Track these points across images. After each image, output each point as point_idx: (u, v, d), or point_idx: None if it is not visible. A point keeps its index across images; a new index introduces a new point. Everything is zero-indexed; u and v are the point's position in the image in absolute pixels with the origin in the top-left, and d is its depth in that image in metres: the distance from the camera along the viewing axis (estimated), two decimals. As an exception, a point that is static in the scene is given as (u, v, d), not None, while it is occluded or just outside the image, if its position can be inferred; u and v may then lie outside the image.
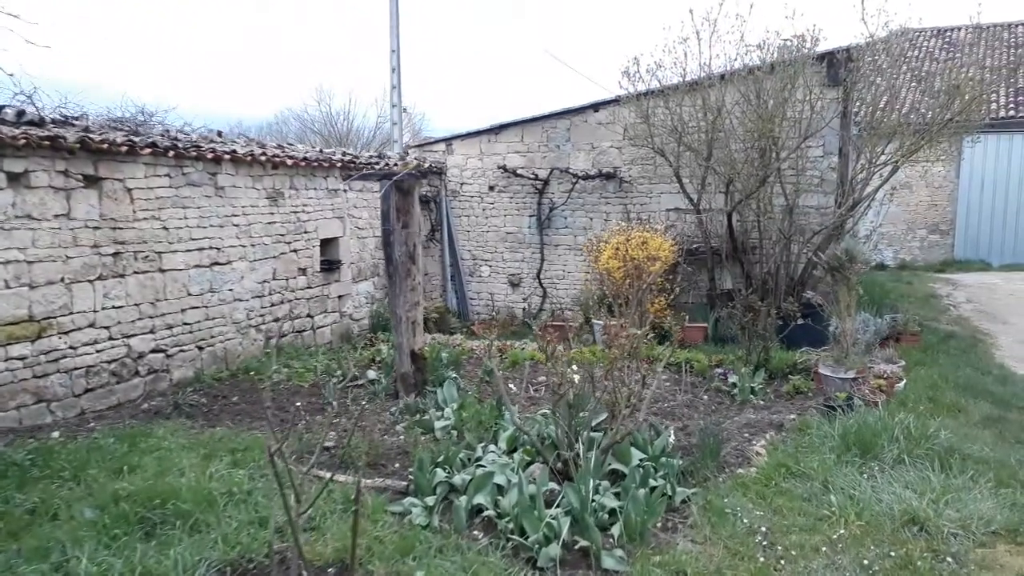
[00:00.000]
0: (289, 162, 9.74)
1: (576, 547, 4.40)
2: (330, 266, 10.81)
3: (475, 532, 4.69)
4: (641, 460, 5.68)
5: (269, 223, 9.72)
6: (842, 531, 4.52)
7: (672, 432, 6.51)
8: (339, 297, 11.08)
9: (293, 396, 7.93)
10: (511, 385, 8.05)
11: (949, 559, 4.20)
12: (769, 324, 9.05)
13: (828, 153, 11.67)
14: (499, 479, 5.18)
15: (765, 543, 4.40)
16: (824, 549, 4.31)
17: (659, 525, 4.78)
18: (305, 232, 10.36)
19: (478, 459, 5.73)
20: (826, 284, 10.21)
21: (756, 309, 9.14)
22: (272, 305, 9.84)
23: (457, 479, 5.22)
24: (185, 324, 8.52)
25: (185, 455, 5.86)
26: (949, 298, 14.77)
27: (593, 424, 6.53)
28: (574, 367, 6.71)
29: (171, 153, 8.02)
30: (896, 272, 19.52)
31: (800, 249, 11.09)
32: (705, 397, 8.11)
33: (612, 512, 4.86)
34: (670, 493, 5.22)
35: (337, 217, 10.96)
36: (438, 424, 6.46)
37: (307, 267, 10.41)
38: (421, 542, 4.42)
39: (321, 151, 10.75)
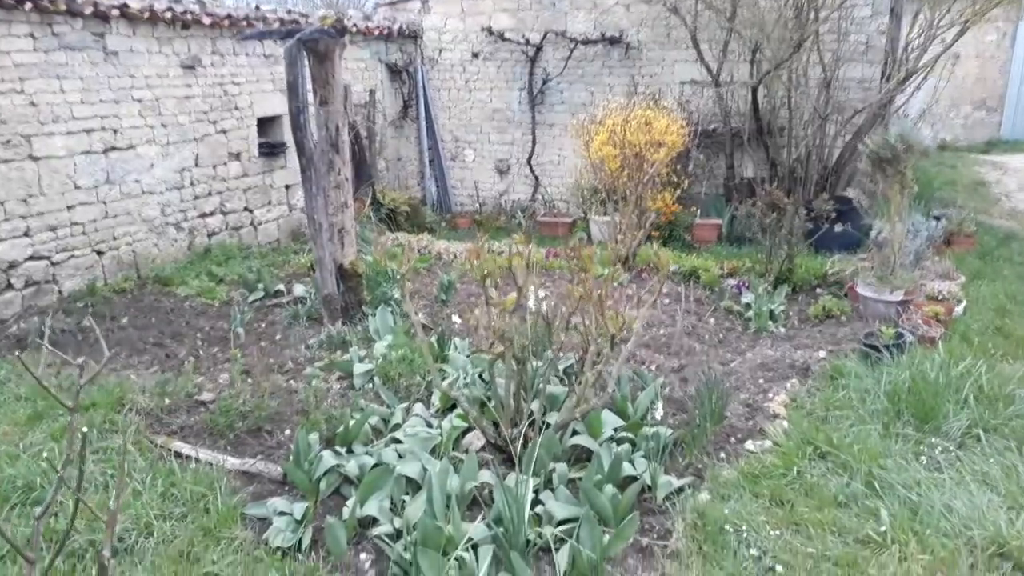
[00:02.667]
0: (207, 21, 7.82)
1: (499, 595, 2.95)
2: (272, 150, 9.07)
3: (363, 560, 3.24)
4: (616, 430, 4.17)
5: (185, 97, 7.92)
6: (896, 572, 3.02)
7: (662, 380, 4.97)
8: (286, 187, 9.40)
9: (199, 317, 6.42)
10: (476, 311, 6.49)
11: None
12: (796, 227, 7.34)
13: (877, 13, 9.57)
14: (411, 467, 3.69)
15: (782, 596, 2.93)
16: (872, 610, 2.83)
17: (630, 543, 3.31)
18: (236, 108, 8.56)
19: (395, 427, 4.24)
20: (866, 177, 8.40)
21: (781, 207, 7.41)
22: (196, 198, 8.19)
23: (353, 466, 3.74)
24: (75, 224, 6.93)
25: (9, 412, 4.42)
26: (999, 185, 12.81)
27: (562, 368, 5.01)
28: (538, 292, 5.12)
29: (28, 5, 6.17)
30: (937, 154, 17.39)
31: (837, 131, 9.21)
32: (712, 321, 6.52)
33: (564, 522, 3.39)
34: (650, 484, 3.73)
35: (280, 90, 9.10)
36: (358, 368, 4.95)
37: (241, 151, 8.68)
38: (269, 585, 2.99)
39: (257, 7, 8.78)
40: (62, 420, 4.28)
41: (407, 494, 3.59)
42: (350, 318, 5.90)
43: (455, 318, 5.77)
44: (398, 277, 6.49)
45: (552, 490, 3.65)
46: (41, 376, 4.94)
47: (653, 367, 5.40)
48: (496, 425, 4.04)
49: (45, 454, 3.83)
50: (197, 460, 3.96)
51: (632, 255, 8.31)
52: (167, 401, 4.60)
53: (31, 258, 6.60)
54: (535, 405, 4.33)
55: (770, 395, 4.82)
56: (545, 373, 4.08)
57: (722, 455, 4.11)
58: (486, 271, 3.89)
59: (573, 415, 3.72)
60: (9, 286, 6.46)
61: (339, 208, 5.74)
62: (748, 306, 6.56)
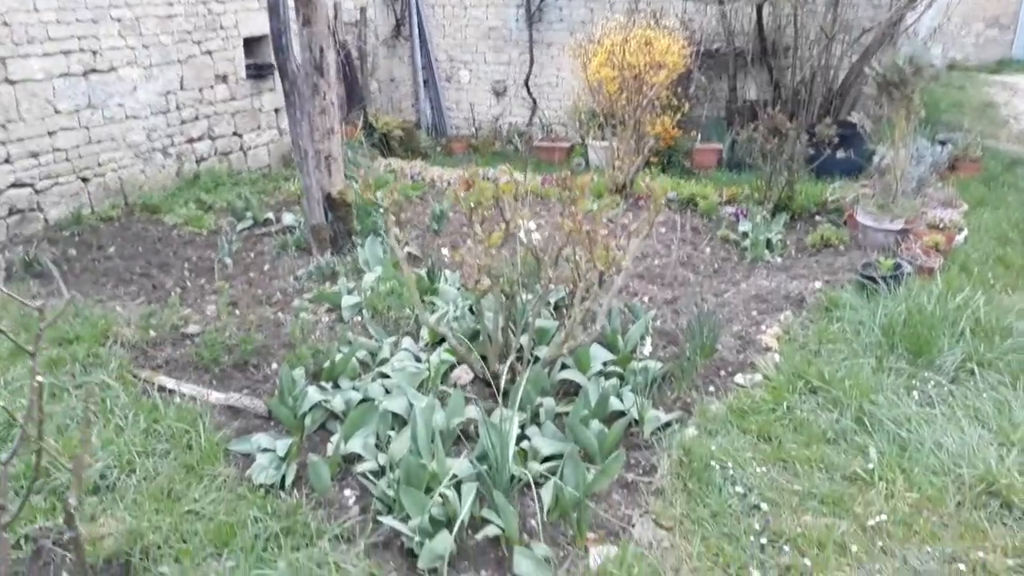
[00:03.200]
0: (186, -67, 7.45)
1: (483, 533, 2.93)
2: (260, 72, 8.78)
3: (347, 497, 3.23)
4: (606, 364, 4.13)
5: (167, 16, 7.61)
6: (883, 510, 3.01)
7: (654, 313, 4.91)
8: (275, 111, 9.14)
9: (186, 247, 6.32)
10: (468, 241, 6.38)
11: (1050, 576, 2.71)
12: (797, 152, 7.15)
13: (890, -77, 9.10)
14: (397, 403, 3.65)
15: (765, 535, 2.90)
16: (855, 549, 2.81)
17: (615, 479, 3.29)
18: (221, 28, 8.24)
19: (383, 361, 4.19)
20: (872, 100, 8.14)
21: (783, 132, 7.20)
22: (183, 123, 7.97)
23: (339, 401, 3.70)
24: (57, 150, 6.76)
25: (-8, 347, 4.37)
26: (1008, 108, 12.45)
27: (553, 301, 4.94)
28: (529, 222, 5.01)
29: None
30: (945, 74, 16.87)
31: (844, 52, 8.89)
32: (708, 250, 6.42)
33: (551, 458, 3.37)
34: (637, 419, 3.70)
35: (268, 7, 8.74)
36: (346, 300, 4.87)
37: (227, 73, 8.41)
38: (252, 523, 2.97)
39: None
40: (47, 354, 4.23)
41: (393, 430, 3.56)
42: (339, 248, 5.79)
43: (444, 251, 5.65)
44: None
45: (539, 425, 3.62)
46: (23, 310, 4.89)
47: (646, 299, 5.32)
48: (485, 359, 3.98)
49: (26, 389, 3.78)
50: (182, 395, 3.93)
51: (630, 182, 8.14)
52: (152, 334, 4.54)
53: (14, 185, 6.46)
54: (524, 339, 4.27)
55: (763, 327, 4.75)
56: (535, 307, 4.00)
57: (712, 389, 4.07)
58: (473, 204, 3.75)
59: (561, 351, 3.66)
60: (-8, 215, 6.34)
61: (325, 134, 5.56)
62: (745, 235, 6.45)
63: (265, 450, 3.37)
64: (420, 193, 7.86)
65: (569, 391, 4.04)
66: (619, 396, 3.84)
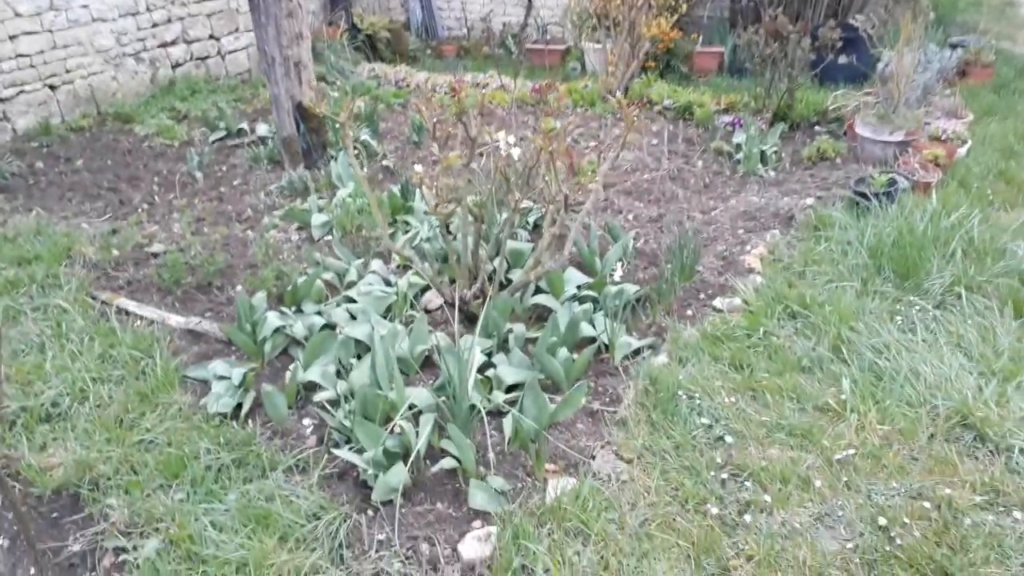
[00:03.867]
0: None
1: (439, 465, 2.86)
2: (235, -30, 8.32)
3: (305, 427, 3.15)
4: (580, 287, 3.99)
5: (131, -91, 7.14)
6: (852, 443, 2.92)
7: (636, 233, 4.74)
8: (254, 12, 8.70)
9: (157, 159, 6.10)
10: (456, 151, 6.13)
11: (1018, 514, 2.62)
12: (798, 57, 6.78)
13: None
14: (360, 330, 3.54)
15: (727, 469, 2.83)
16: (819, 484, 2.74)
17: (580, 407, 3.20)
18: (191, -78, 7.76)
19: (351, 284, 4.05)
20: (879, 3, 7.69)
21: (784, 35, 6.83)
22: (155, 25, 7.60)
23: (300, 327, 3.59)
24: (20, 56, 6.46)
25: (-50, 267, 4.24)
26: (1030, 7, 11.90)
27: (532, 220, 4.76)
28: (508, 136, 4.76)
29: None
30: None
31: (855, -53, 8.35)
32: (700, 164, 6.17)
33: (515, 387, 3.28)
34: (607, 343, 3.59)
35: (241, -100, 8.22)
36: (316, 219, 4.70)
37: (200, -28, 7.97)
38: (204, 454, 2.90)
39: None
40: (5, 274, 4.11)
41: (356, 358, 3.46)
42: (313, 162, 5.58)
43: (418, 167, 5.42)
44: (368, 115, 6.10)
45: (507, 352, 3.51)
46: (-12, 225, 4.74)
47: (631, 216, 5.14)
48: (455, 283, 3.84)
49: (-20, 313, 3.68)
50: (141, 318, 3.82)
51: (624, 88, 7.80)
52: (115, 253, 4.40)
53: (-24, 94, 6.20)
54: (498, 262, 4.13)
55: (748, 247, 4.58)
56: (504, 228, 3.82)
57: (689, 313, 3.94)
58: (435, 119, 3.53)
59: (529, 278, 3.51)
60: (-44, 125, 6.11)
61: (294, 39, 5.25)
62: (739, 147, 6.18)
63: (221, 378, 3.28)
64: (402, 101, 7.55)
65: (543, 316, 3.92)
66: (591, 322, 3.72)
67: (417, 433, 2.90)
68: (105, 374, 3.36)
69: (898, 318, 3.68)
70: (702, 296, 4.10)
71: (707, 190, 5.68)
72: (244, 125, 6.55)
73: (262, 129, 6.40)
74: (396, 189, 4.88)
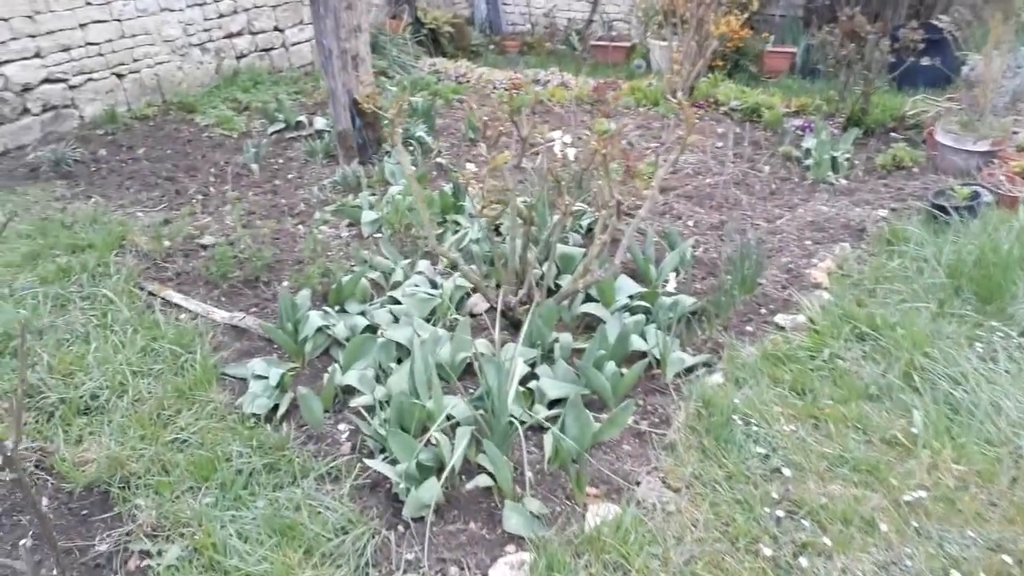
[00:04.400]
0: None
1: (473, 483, 2.72)
2: (301, -38, 8.33)
3: (340, 432, 3.06)
4: (632, 297, 3.80)
5: (200, -101, 7.20)
6: (922, 483, 2.68)
7: (694, 240, 4.53)
8: (319, 4, 8.70)
9: (215, 150, 6.12)
10: (507, 151, 5.99)
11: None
12: (876, 59, 6.44)
13: None
14: (401, 333, 3.43)
15: (784, 505, 2.62)
16: (885, 528, 2.51)
17: (627, 427, 3.03)
18: (259, -86, 7.79)
19: (396, 285, 3.95)
20: (966, 5, 7.27)
21: (861, 35, 6.50)
22: (221, 16, 7.66)
23: (341, 328, 3.50)
24: (90, 44, 6.56)
25: (7, 249, 4.29)
26: None
27: (586, 224, 4.60)
28: (564, 137, 4.59)
29: None
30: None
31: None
32: (767, 169, 5.90)
33: (558, 402, 3.12)
34: (658, 358, 3.40)
35: None
36: (366, 216, 4.62)
37: (267, -36, 8.00)
38: (236, 457, 2.83)
39: None
40: (59, 261, 4.14)
41: (397, 361, 3.36)
42: (368, 157, 5.51)
43: (470, 166, 5.30)
44: (425, 111, 6.01)
45: (552, 363, 3.36)
46: (48, 209, 4.81)
47: (690, 223, 4.92)
48: (498, 286, 3.70)
49: (32, 300, 3.69)
50: (187, 311, 3.79)
51: (689, 88, 7.54)
52: (167, 244, 4.40)
53: (46, 81, 6.32)
54: (547, 267, 3.98)
55: (815, 260, 4.33)
56: (555, 232, 3.66)
57: (748, 329, 3.72)
58: (484, 117, 3.39)
59: (577, 286, 3.35)
60: (26, 111, 6.23)
61: (352, 32, 5.18)
62: (809, 152, 5.89)
63: (259, 377, 3.21)
64: (462, 96, 7.44)
65: (591, 325, 3.76)
66: (642, 334, 3.53)
67: (453, 446, 2.77)
68: (146, 368, 3.33)
69: (978, 345, 3.40)
70: (763, 311, 3.87)
71: (773, 197, 5.41)
72: (303, 118, 6.52)
73: (320, 122, 6.37)
74: (448, 188, 4.76)
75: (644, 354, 3.43)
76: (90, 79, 6.63)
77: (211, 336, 3.58)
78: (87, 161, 5.75)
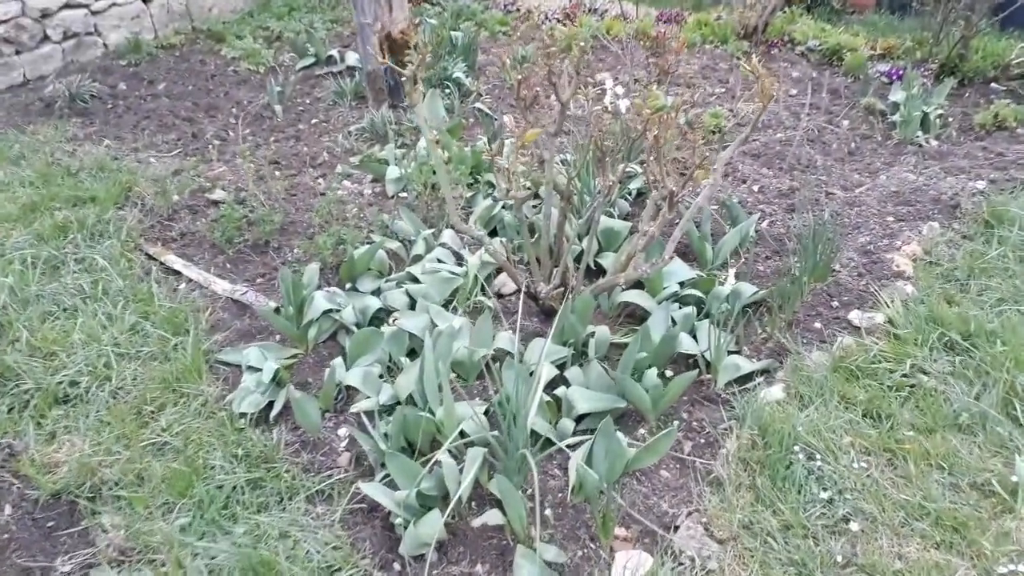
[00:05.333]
0: None
1: (481, 520, 2.34)
2: None
3: (340, 439, 2.70)
4: (683, 284, 3.32)
5: None
6: (1023, 551, 2.21)
7: (758, 216, 3.99)
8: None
9: (239, 87, 5.69)
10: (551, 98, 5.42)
11: None
12: (981, -4, 5.64)
13: None
14: (415, 322, 3.02)
15: (849, 570, 2.18)
16: (974, 611, 2.07)
17: (671, 449, 2.60)
18: None
19: (416, 259, 3.53)
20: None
21: (966, -32, 5.68)
22: (254, -65, 7.11)
23: (349, 313, 3.11)
24: (114, -35, 6.13)
25: (7, 200, 3.99)
26: None
27: (635, 190, 4.08)
28: (614, 85, 4.03)
29: None
30: None
31: None
32: (846, 123, 5.23)
33: (583, 418, 2.70)
34: (709, 361, 2.94)
35: None
36: (391, 172, 4.18)
37: None
38: (219, 470, 2.50)
39: None
40: (57, 216, 3.82)
41: (411, 353, 2.97)
42: (400, 100, 5.02)
43: (506, 118, 4.77)
44: (464, 47, 5.47)
45: (585, 364, 2.93)
46: (57, 152, 4.48)
47: (755, 188, 4.36)
48: (539, 262, 3.23)
49: (18, 265, 3.39)
50: (188, 280, 3.45)
51: (763, 24, 6.79)
52: (175, 198, 4.04)
53: (67, 6, 5.92)
54: (587, 242, 3.52)
55: (898, 242, 3.76)
56: (594, 210, 3.16)
57: (817, 326, 3.22)
58: (519, 74, 2.88)
59: (617, 280, 2.88)
60: (46, 38, 5.88)
61: (384, -41, 4.63)
62: (896, 106, 5.20)
63: (252, 369, 2.86)
64: (507, 29, 6.82)
65: (635, 315, 3.31)
66: (692, 331, 3.07)
67: (461, 472, 2.39)
68: (134, 350, 3.00)
69: (1097, 364, 2.86)
70: (835, 304, 3.36)
71: (852, 159, 4.78)
72: (335, 52, 6.02)
73: (352, 57, 5.86)
74: (483, 141, 4.27)
75: (692, 358, 2.98)
76: (114, 3, 6.22)
77: (209, 312, 3.24)
78: (105, 97, 5.39)
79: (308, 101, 5.43)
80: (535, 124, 2.93)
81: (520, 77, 2.90)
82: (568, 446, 2.51)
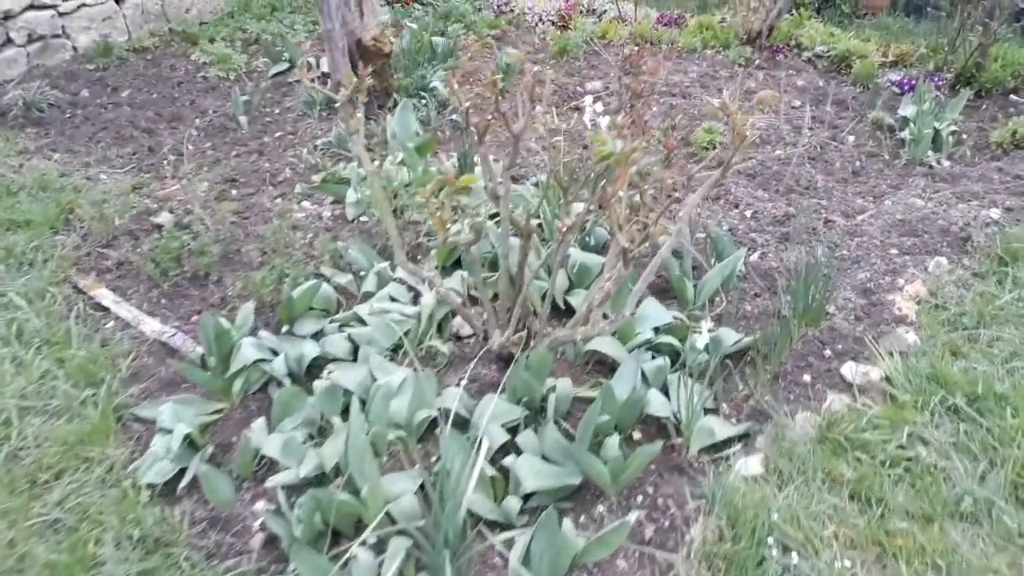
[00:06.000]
0: None
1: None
2: None
3: (256, 514, 2.39)
4: (658, 330, 2.99)
5: None
6: None
7: (747, 244, 3.65)
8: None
9: (207, 95, 5.38)
10: (538, 107, 5.08)
11: None
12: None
13: None
14: (352, 376, 2.71)
15: None
16: None
17: (632, 532, 2.27)
18: None
19: (367, 296, 3.21)
20: None
21: (986, -29, 5.30)
22: (235, -69, 6.81)
23: (280, 364, 2.80)
24: (80, -36, 5.84)
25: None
26: None
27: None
28: (594, 102, 3.68)
29: None
30: None
31: None
32: (851, 140, 4.87)
33: (530, 496, 2.38)
34: (683, 421, 2.61)
35: None
36: (351, 195, 3.86)
37: None
38: (110, 556, 2.20)
39: None
40: (-15, 243, 3.53)
41: (344, 413, 2.66)
42: (374, 111, 4.70)
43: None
44: (445, 54, 5.14)
45: (541, 425, 2.60)
46: (2, 168, 4.20)
47: (748, 213, 4.02)
48: (496, 299, 2.91)
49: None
50: (117, 318, 3.15)
51: (767, 28, 6.42)
52: (117, 222, 3.74)
53: (32, 7, 5.64)
54: (560, 279, 3.20)
55: (901, 280, 3.41)
56: (559, 249, 2.83)
57: (806, 378, 2.89)
58: (467, 100, 2.55)
59: (574, 336, 2.55)
60: (9, 41, 5.59)
61: (352, -40, 4.30)
62: (906, 121, 4.82)
63: (165, 431, 2.55)
64: (496, 31, 6.48)
65: (603, 362, 2.98)
66: (664, 387, 2.74)
67: (381, 566, 2.08)
68: (41, 403, 2.71)
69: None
70: (828, 353, 3.02)
71: (856, 180, 4.43)
72: (311, 58, 5.70)
73: (327, 64, 5.53)
74: (454, 159, 3.95)
75: (659, 422, 2.65)
76: (83, 5, 5.93)
77: (132, 357, 2.94)
78: (64, 105, 5.10)
79: (277, 111, 5.12)
80: (485, 157, 2.60)
81: (468, 105, 2.57)
82: (510, 536, 2.20)
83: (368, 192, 3.68)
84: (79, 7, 5.91)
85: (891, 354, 2.91)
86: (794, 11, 6.81)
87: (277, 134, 4.77)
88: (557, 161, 2.59)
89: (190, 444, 2.51)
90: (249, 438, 2.43)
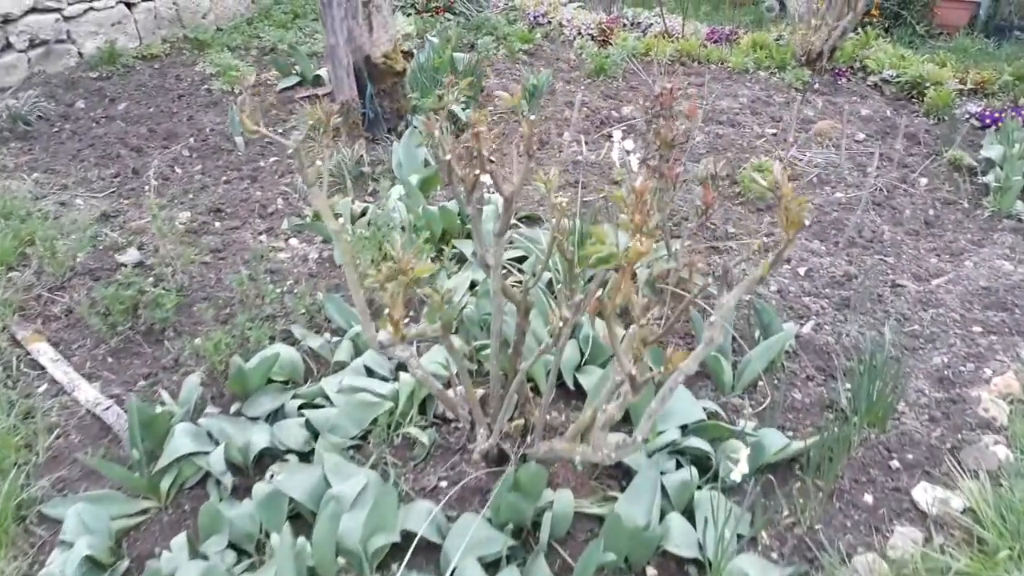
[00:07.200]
0: None
1: None
2: None
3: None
4: (686, 428, 2.44)
5: None
6: None
7: (801, 315, 3.07)
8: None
9: (207, 110, 4.96)
10: (566, 134, 4.56)
11: None
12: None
13: None
14: (299, 481, 2.21)
15: None
16: None
17: None
18: None
19: (340, 366, 2.72)
20: None
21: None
22: (258, -68, 6.42)
23: (218, 457, 2.30)
24: (88, -35, 5.49)
25: None
26: None
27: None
28: (623, 138, 3.14)
29: None
30: None
31: None
32: (923, 182, 4.24)
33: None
34: (708, 561, 2.06)
35: None
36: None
37: None
38: None
39: None
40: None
41: (296, 517, 2.16)
42: (381, 135, 4.23)
43: (486, 179, 3.93)
44: (468, 71, 4.66)
45: (532, 556, 2.08)
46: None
47: (801, 271, 3.43)
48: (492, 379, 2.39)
49: None
50: (53, 380, 2.72)
51: (830, 50, 5.80)
52: (79, 258, 3.32)
53: (34, 10, 5.30)
54: (569, 352, 2.68)
55: (987, 369, 2.80)
56: (559, 338, 2.30)
57: (867, 499, 2.31)
58: (448, 152, 2.04)
59: (573, 454, 2.00)
60: (8, 46, 5.26)
61: (359, -32, 3.84)
62: (990, 163, 4.18)
63: (65, 544, 2.09)
64: (531, 46, 5.96)
65: (621, 464, 2.43)
66: (691, 509, 2.19)
67: None
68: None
69: None
70: (895, 464, 2.43)
71: (929, 232, 3.81)
72: (323, 71, 5.26)
73: (331, 81, 5.08)
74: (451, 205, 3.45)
75: (683, 562, 2.10)
76: (91, 8, 5.59)
77: (55, 435, 2.49)
78: (54, 118, 4.73)
79: (280, 130, 4.67)
80: (476, 216, 2.09)
81: (451, 154, 2.06)
82: None
83: (352, 235, 3.19)
84: (86, 11, 5.57)
85: (976, 474, 2.32)
86: (860, 30, 6.17)
87: (274, 158, 4.31)
88: (561, 227, 2.06)
89: (94, 565, 2.04)
90: (158, 569, 1.95)
